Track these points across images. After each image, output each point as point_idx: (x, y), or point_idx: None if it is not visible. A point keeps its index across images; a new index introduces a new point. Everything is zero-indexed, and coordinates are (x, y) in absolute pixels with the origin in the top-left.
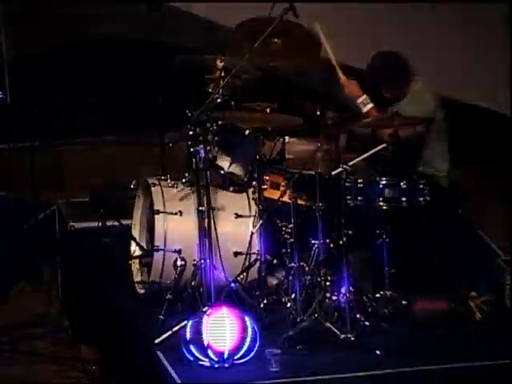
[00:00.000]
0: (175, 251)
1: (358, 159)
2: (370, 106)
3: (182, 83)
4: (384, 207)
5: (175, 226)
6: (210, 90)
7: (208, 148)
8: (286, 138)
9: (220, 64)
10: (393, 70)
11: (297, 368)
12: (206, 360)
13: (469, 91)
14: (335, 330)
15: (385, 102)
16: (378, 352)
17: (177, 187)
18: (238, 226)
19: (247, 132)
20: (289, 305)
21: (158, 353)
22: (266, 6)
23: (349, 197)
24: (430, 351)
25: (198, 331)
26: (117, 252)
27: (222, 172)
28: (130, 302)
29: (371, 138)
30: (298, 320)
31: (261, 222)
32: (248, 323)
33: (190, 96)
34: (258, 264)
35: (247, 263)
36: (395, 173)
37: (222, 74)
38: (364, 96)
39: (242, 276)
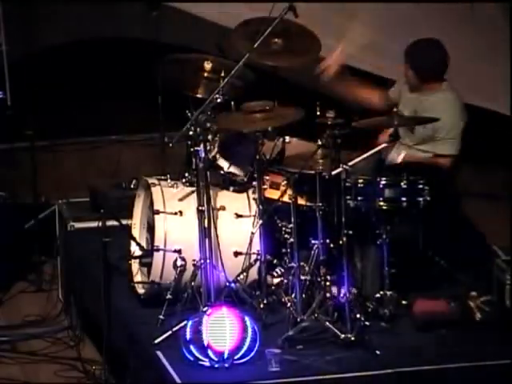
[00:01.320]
0: (175, 251)
1: (358, 159)
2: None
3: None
4: (384, 207)
5: (175, 226)
6: (200, 96)
7: (208, 148)
8: (287, 137)
9: (208, 66)
10: (415, 52)
11: (297, 368)
12: (206, 360)
13: (468, 91)
14: (335, 330)
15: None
16: (377, 352)
17: (177, 187)
18: (238, 226)
19: (247, 132)
20: (289, 305)
21: (158, 353)
22: (266, 6)
23: (349, 197)
24: (430, 351)
25: (198, 331)
26: (117, 252)
27: (222, 172)
28: (130, 302)
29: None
30: (298, 320)
31: (261, 222)
32: (248, 323)
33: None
34: (257, 264)
35: (247, 263)
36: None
37: (210, 76)
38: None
39: (241, 276)
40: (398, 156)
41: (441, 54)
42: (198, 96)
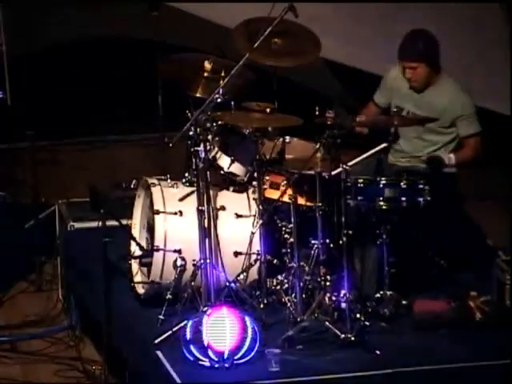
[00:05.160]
0: (175, 251)
1: (358, 159)
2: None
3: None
4: (384, 207)
5: (175, 226)
6: (199, 95)
7: (208, 148)
8: (287, 137)
9: (208, 65)
10: (423, 46)
11: (297, 368)
12: (206, 360)
13: (468, 91)
14: (335, 330)
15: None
16: (377, 352)
17: (177, 187)
18: (237, 226)
19: (247, 132)
20: (289, 305)
21: (158, 353)
22: (266, 6)
23: (349, 197)
24: (430, 351)
25: (198, 331)
26: (117, 252)
27: (222, 172)
28: (130, 302)
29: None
30: (298, 320)
31: (261, 221)
32: (248, 323)
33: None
34: (257, 264)
35: (247, 263)
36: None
37: (210, 76)
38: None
39: (241, 276)
40: (447, 157)
41: (426, 36)
42: (198, 95)
